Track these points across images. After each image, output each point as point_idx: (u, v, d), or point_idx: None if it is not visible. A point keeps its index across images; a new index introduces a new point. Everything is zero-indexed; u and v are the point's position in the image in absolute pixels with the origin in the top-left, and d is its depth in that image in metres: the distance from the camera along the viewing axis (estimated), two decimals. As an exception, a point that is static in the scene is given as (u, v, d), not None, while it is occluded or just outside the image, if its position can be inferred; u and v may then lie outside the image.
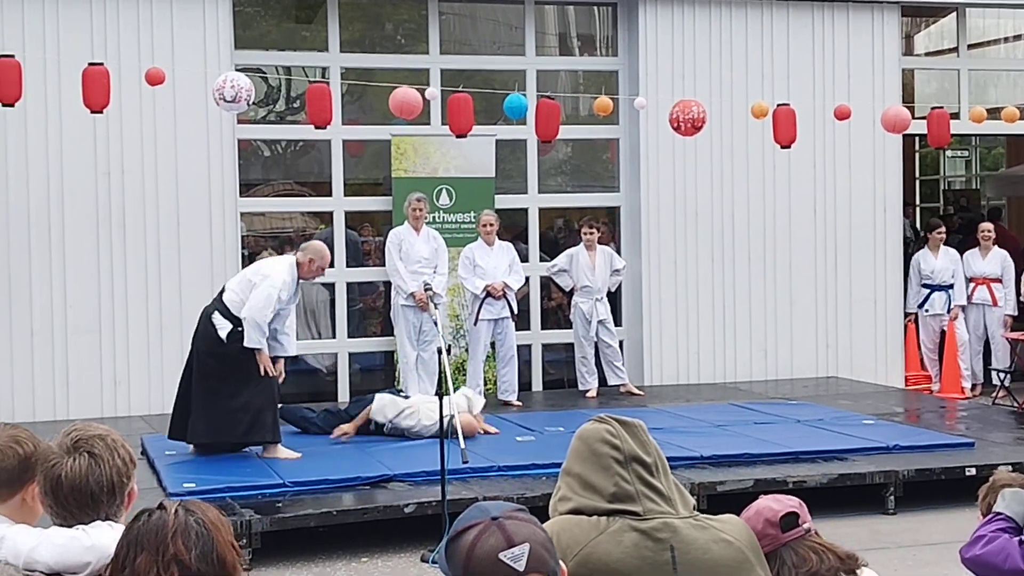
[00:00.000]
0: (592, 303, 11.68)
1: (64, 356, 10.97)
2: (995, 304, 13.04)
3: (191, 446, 8.97)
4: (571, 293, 11.90)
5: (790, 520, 3.09)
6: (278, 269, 8.76)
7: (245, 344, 8.61)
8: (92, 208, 11.04)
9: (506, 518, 2.15)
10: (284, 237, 13.07)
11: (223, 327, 8.69)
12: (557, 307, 13.11)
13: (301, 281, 8.96)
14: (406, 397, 9.90)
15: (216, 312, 8.77)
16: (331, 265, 12.04)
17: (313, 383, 12.69)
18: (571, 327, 11.94)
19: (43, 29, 10.89)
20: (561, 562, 2.19)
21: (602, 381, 11.87)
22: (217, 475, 8.27)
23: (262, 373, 8.69)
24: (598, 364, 11.87)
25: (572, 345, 12.00)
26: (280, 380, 8.92)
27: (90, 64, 9.64)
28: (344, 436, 9.41)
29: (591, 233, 11.68)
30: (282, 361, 8.96)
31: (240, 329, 8.64)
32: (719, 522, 2.71)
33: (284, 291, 8.67)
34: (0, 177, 10.82)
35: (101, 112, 9.67)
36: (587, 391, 11.73)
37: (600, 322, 11.70)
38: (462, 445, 7.64)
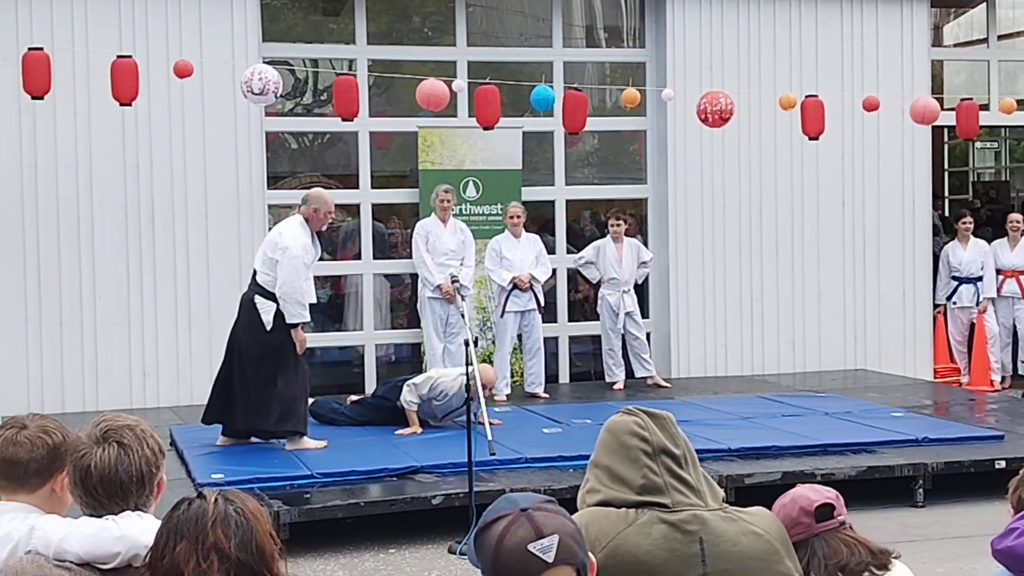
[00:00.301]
0: (619, 295, 11.66)
1: (93, 348, 11.03)
2: (1024, 296, 12.98)
3: (220, 437, 9.00)
4: (598, 285, 11.88)
5: (825, 511, 3.10)
6: (291, 235, 8.70)
7: (289, 321, 8.63)
8: (121, 200, 11.09)
9: (535, 509, 2.15)
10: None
11: (267, 309, 8.70)
12: (584, 299, 13.09)
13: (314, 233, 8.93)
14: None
15: (256, 295, 8.79)
16: (358, 256, 12.21)
17: (340, 375, 12.73)
18: (598, 319, 11.92)
19: (72, 22, 10.94)
20: (590, 554, 2.19)
21: (629, 373, 11.85)
22: (246, 466, 8.31)
23: (300, 351, 8.72)
24: (625, 356, 11.85)
25: (599, 337, 11.98)
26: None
27: (118, 57, 9.68)
28: (413, 432, 9.39)
29: (618, 225, 11.66)
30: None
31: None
32: (748, 514, 2.70)
33: (307, 255, 8.73)
34: (29, 170, 10.89)
35: (130, 105, 9.71)
36: (614, 383, 11.71)
37: (627, 314, 11.68)
38: (489, 437, 7.65)
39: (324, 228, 9.42)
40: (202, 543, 2.28)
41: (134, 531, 2.76)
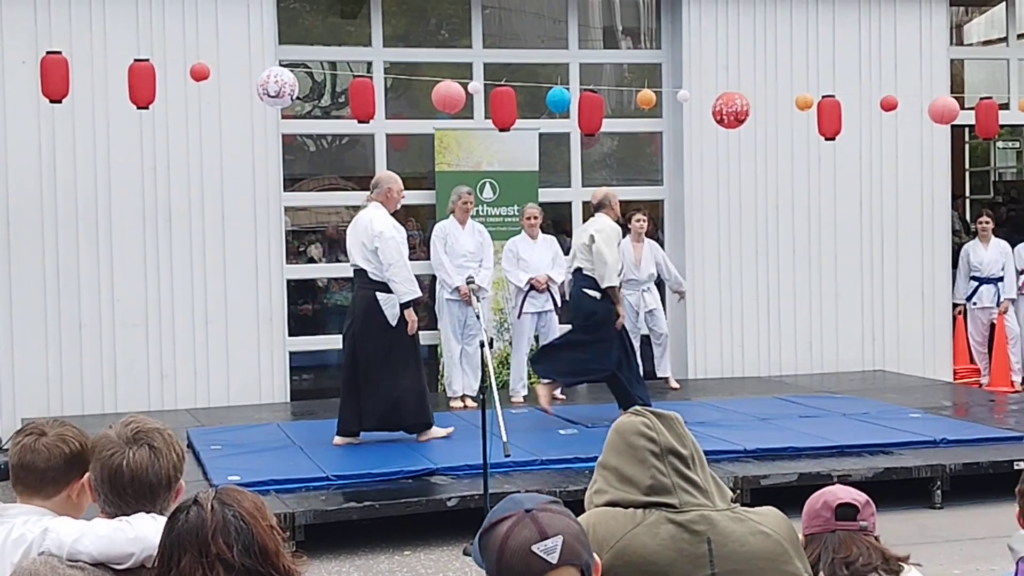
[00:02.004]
0: (639, 294, 11.66)
1: (112, 350, 11.08)
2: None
3: (336, 437, 9.13)
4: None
5: (847, 511, 3.12)
6: (380, 220, 8.94)
7: (403, 300, 8.82)
8: (139, 203, 11.14)
9: (539, 510, 2.15)
10: (329, 232, 13.14)
11: (390, 304, 8.86)
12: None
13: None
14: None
15: (376, 292, 8.89)
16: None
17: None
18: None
19: (90, 26, 10.99)
20: (595, 555, 2.19)
21: (648, 374, 11.82)
22: (262, 468, 8.33)
23: (412, 331, 8.91)
24: (646, 356, 11.81)
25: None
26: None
27: (136, 60, 9.72)
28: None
29: (642, 221, 11.65)
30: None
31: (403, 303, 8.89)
32: (757, 514, 2.70)
33: (399, 232, 9.00)
34: (48, 173, 10.95)
35: (147, 108, 9.74)
36: None
37: (649, 312, 11.68)
38: (504, 438, 7.65)
39: (399, 207, 9.60)
40: (206, 555, 2.28)
41: (148, 532, 2.77)
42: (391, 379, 8.87)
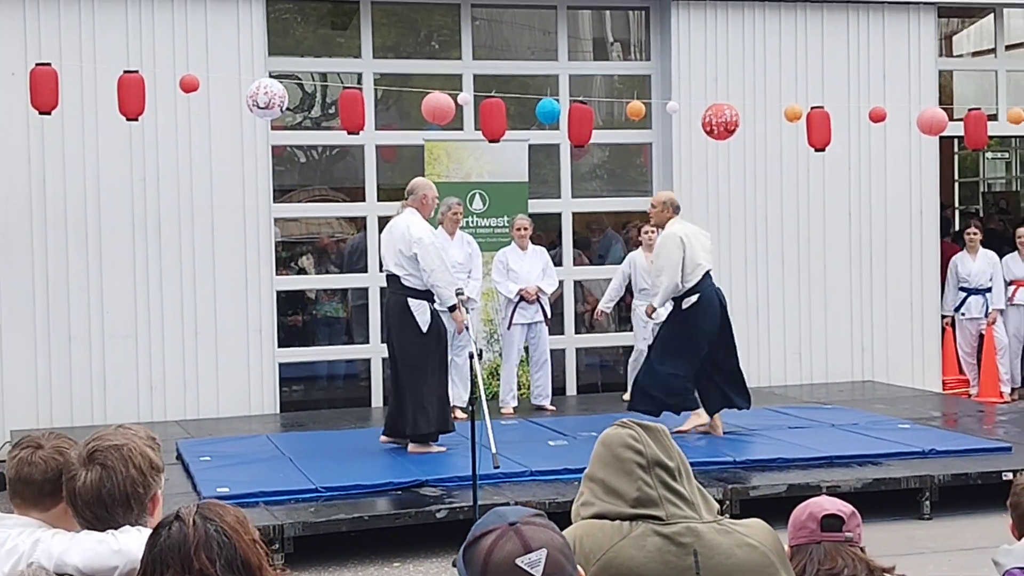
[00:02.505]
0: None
1: (101, 362, 11.06)
2: (1037, 306, 12.98)
3: (382, 436, 9.30)
4: (630, 294, 11.83)
5: (832, 523, 3.12)
6: (418, 226, 9.05)
7: (447, 304, 8.99)
8: (128, 215, 11.13)
9: (523, 523, 2.14)
10: (319, 243, 13.14)
11: (421, 310, 8.96)
12: (591, 311, 13.07)
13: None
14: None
15: (408, 299, 8.95)
16: (365, 270, 12.22)
17: (345, 389, 12.76)
18: (602, 331, 11.90)
19: (79, 38, 10.99)
20: (579, 567, 2.19)
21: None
22: (251, 480, 8.31)
23: (460, 331, 9.22)
24: None
25: (607, 349, 11.96)
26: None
27: (125, 72, 9.72)
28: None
29: (652, 233, 11.58)
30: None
31: (435, 308, 9.04)
32: (743, 526, 2.70)
33: (436, 238, 9.21)
34: (38, 185, 10.93)
35: (136, 120, 9.74)
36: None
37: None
38: (493, 450, 7.65)
39: (433, 214, 9.70)
40: (188, 570, 2.28)
41: (132, 545, 2.79)
42: (423, 383, 8.94)
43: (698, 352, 9.61)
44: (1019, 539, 3.62)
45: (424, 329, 8.95)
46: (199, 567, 2.27)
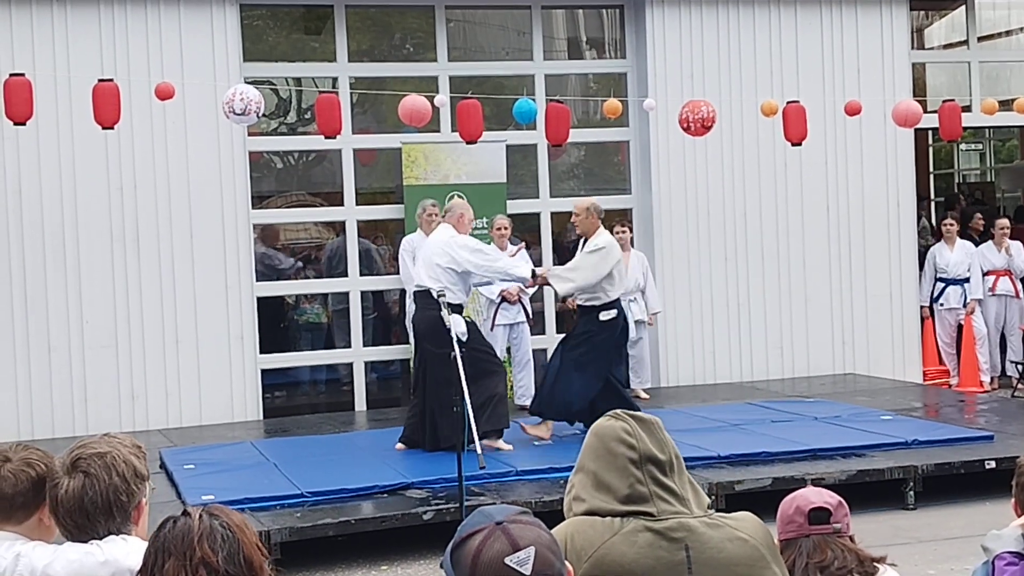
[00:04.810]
0: (626, 303, 11.60)
1: (82, 372, 11.01)
2: (1018, 296, 13.05)
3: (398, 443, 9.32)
4: None
5: (819, 515, 3.13)
6: (459, 236, 9.19)
7: (522, 275, 9.35)
8: (106, 224, 11.08)
9: (510, 522, 2.14)
10: (299, 248, 13.11)
11: (458, 323, 8.90)
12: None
13: None
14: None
15: (440, 312, 8.79)
16: (345, 274, 12.21)
17: (328, 393, 12.73)
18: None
19: (53, 47, 10.94)
20: (567, 563, 2.18)
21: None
22: (236, 486, 8.29)
23: (533, 288, 9.75)
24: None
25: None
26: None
27: (100, 80, 9.67)
28: None
29: (624, 232, 11.61)
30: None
31: (467, 320, 9.20)
32: (734, 520, 2.70)
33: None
34: (14, 195, 10.88)
35: (112, 128, 9.70)
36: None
37: (637, 322, 11.58)
38: (479, 451, 7.64)
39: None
40: (190, 559, 2.28)
41: (118, 555, 2.77)
42: (476, 388, 8.70)
43: (609, 366, 9.67)
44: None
45: (464, 338, 8.84)
46: (201, 555, 2.28)
